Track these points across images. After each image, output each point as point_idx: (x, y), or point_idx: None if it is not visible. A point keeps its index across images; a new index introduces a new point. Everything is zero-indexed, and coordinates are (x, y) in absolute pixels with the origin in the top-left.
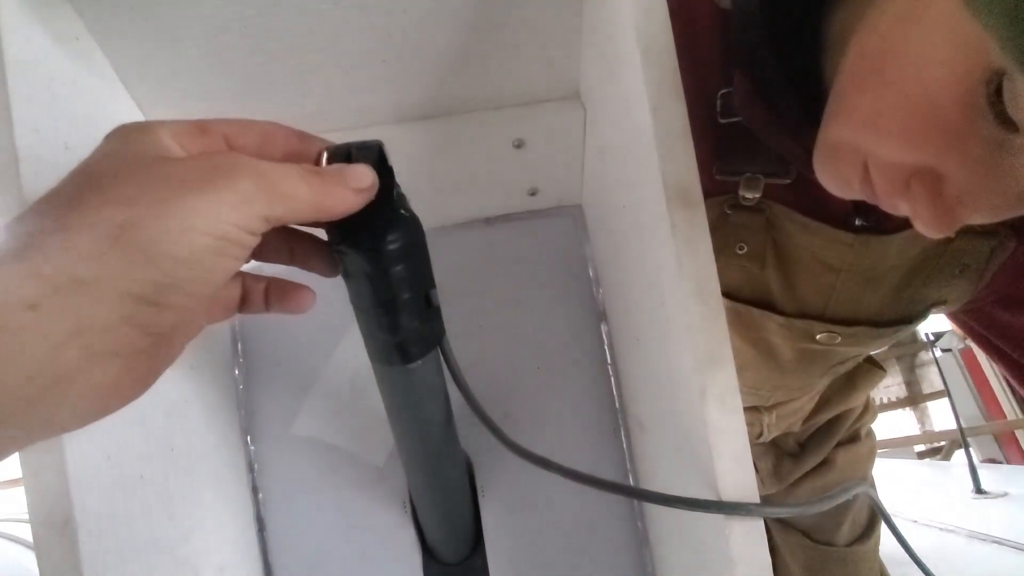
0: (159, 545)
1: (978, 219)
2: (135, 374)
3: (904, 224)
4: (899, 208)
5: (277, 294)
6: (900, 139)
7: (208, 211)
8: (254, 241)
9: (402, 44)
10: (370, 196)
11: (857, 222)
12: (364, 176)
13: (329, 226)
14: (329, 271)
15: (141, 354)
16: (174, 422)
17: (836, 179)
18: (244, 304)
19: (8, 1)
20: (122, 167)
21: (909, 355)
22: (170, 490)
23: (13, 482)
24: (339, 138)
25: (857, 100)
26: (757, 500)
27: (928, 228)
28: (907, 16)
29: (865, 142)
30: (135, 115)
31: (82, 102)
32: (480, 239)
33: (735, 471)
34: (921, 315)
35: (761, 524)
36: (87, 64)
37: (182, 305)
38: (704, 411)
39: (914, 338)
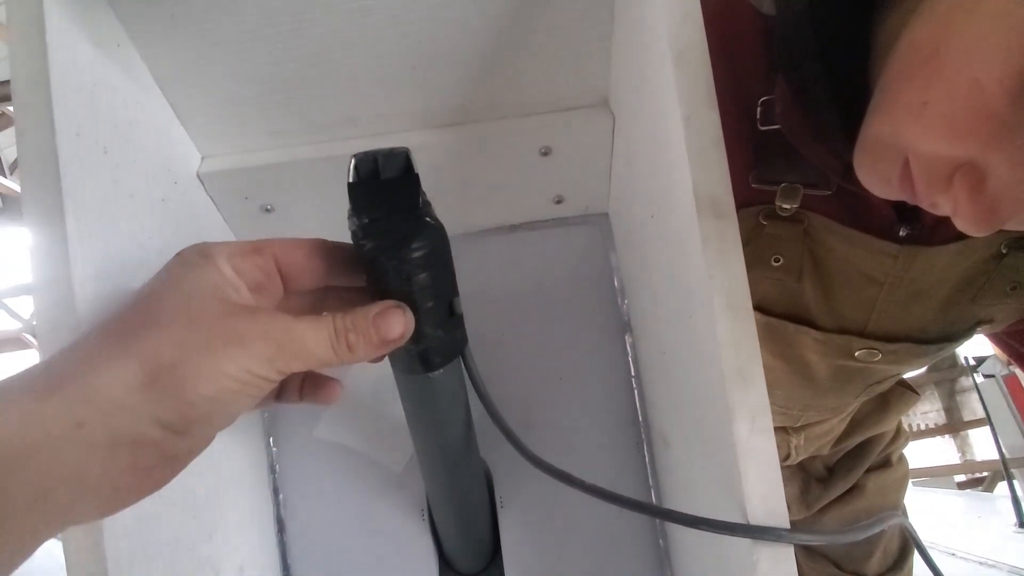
0: (182, 543)
1: (1021, 222)
2: (150, 481)
3: (951, 236)
4: (939, 207)
5: (311, 387)
6: (945, 130)
7: (238, 363)
8: (271, 386)
9: (431, 51)
10: (399, 344)
11: (902, 232)
12: (395, 327)
13: (354, 233)
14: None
15: (159, 467)
16: None
17: (875, 176)
18: (279, 396)
19: (54, 8)
20: (181, 306)
21: (948, 380)
22: (194, 489)
23: None
24: (368, 144)
25: (903, 91)
26: (787, 525)
27: (969, 226)
28: (960, 5)
29: (908, 134)
30: (171, 121)
31: (121, 107)
32: (505, 247)
33: (764, 493)
34: (966, 333)
35: (791, 551)
36: (127, 70)
37: (202, 434)
38: (733, 430)
39: (954, 362)
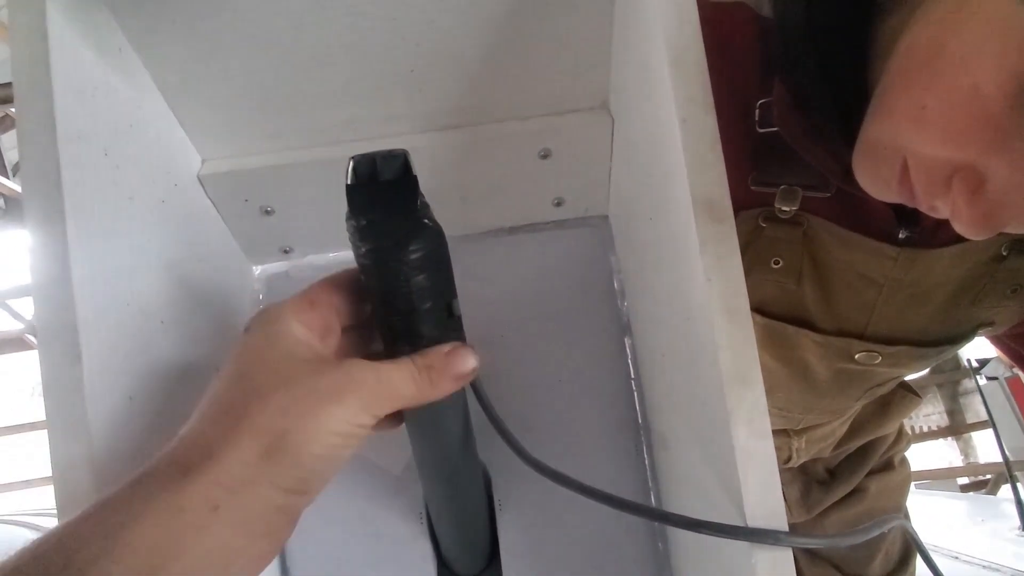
0: None
1: (1020, 225)
2: (279, 539)
3: (951, 239)
4: (938, 209)
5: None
6: (943, 134)
7: (340, 419)
8: (369, 430)
9: (429, 54)
10: (471, 378)
11: (901, 234)
12: (468, 362)
13: (352, 235)
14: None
15: (286, 525)
16: None
17: (874, 179)
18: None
19: (56, 14)
20: (273, 376)
21: (951, 382)
22: None
23: (44, 480)
24: (367, 147)
25: (902, 94)
26: (786, 528)
27: (967, 229)
28: (958, 10)
29: (907, 138)
30: (171, 124)
31: (122, 111)
32: (504, 249)
33: (763, 497)
34: (967, 336)
35: (790, 555)
36: (128, 74)
37: (318, 489)
38: (731, 433)
39: (956, 364)
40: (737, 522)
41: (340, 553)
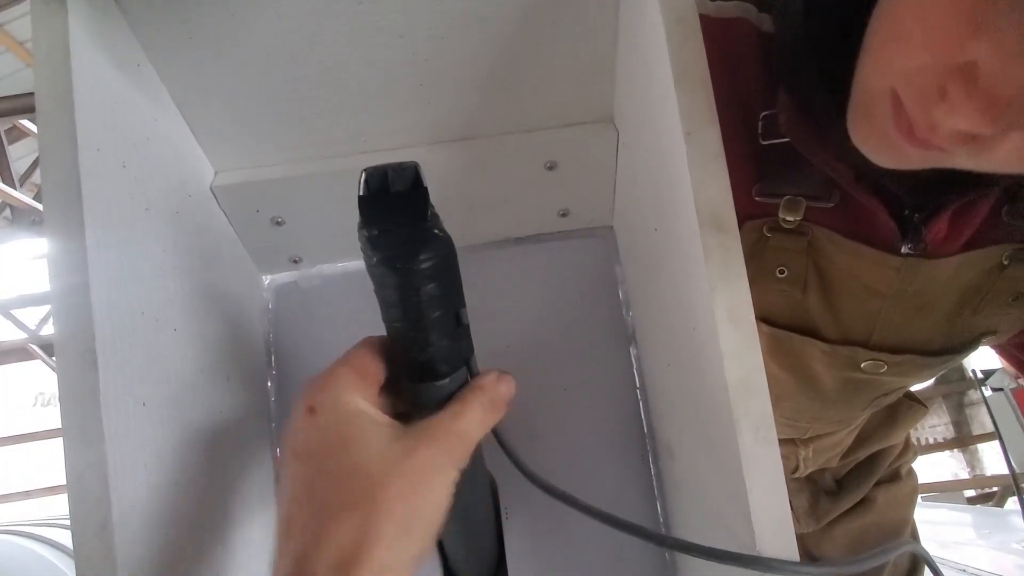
0: (190, 550)
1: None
2: None
3: (953, 249)
4: (938, 123)
5: None
6: (924, 38)
7: (446, 486)
8: None
9: (439, 69)
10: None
11: (903, 248)
12: (511, 385)
13: (364, 245)
14: None
15: None
16: (209, 431)
17: (871, 133)
18: None
19: (77, 30)
20: (375, 460)
21: (956, 393)
22: (203, 502)
23: (56, 489)
24: (376, 159)
25: (883, 27)
26: (793, 540)
27: (974, 122)
28: None
29: (892, 59)
30: (186, 136)
31: (140, 124)
32: (510, 259)
33: (769, 505)
34: (971, 345)
35: None
36: (146, 89)
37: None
38: (737, 442)
39: (962, 375)
40: (744, 530)
41: None
